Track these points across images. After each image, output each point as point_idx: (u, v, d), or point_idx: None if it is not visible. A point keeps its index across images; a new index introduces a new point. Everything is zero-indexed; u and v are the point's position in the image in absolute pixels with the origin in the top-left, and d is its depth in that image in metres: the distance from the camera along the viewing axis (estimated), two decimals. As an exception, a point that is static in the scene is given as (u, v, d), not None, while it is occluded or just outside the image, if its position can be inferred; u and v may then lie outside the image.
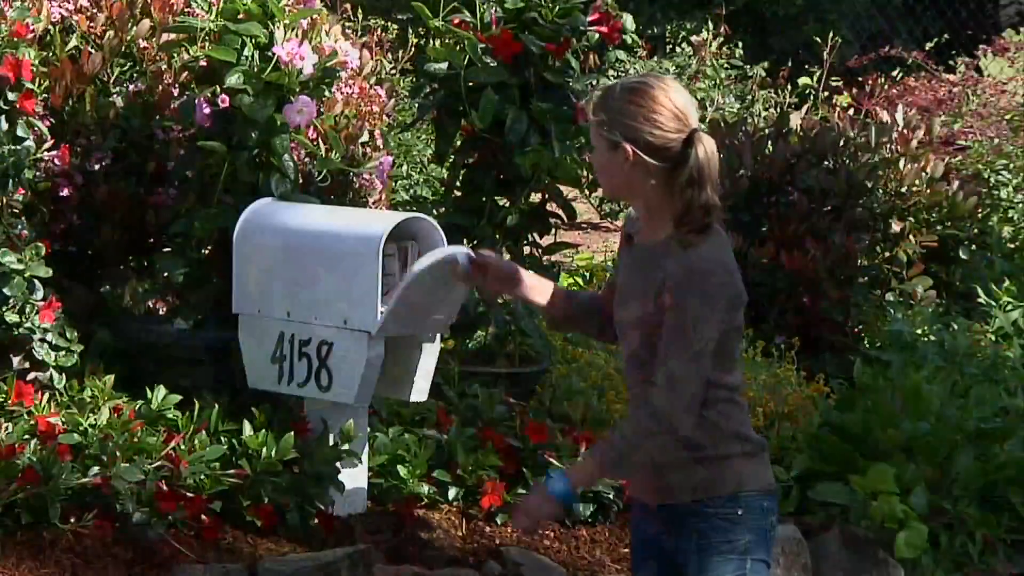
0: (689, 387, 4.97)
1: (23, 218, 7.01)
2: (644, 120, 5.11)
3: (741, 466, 5.17)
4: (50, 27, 7.26)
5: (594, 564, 6.55)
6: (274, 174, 7.04)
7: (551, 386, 7.74)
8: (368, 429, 6.69)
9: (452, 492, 6.80)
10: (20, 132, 6.87)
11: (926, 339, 8.04)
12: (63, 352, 6.92)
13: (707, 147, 5.08)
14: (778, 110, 11.65)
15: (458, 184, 7.99)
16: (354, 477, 6.54)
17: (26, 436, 6.28)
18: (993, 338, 8.25)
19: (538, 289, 5.58)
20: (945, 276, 9.54)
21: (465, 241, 7.67)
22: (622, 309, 5.34)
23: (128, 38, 7.36)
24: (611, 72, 8.22)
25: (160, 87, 7.29)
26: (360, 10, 10.69)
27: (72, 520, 6.12)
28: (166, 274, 7.18)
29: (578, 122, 7.81)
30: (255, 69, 7.05)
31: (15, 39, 6.95)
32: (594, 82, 7.85)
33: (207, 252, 7.07)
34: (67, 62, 7.21)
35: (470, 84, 7.64)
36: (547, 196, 8.00)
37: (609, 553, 6.55)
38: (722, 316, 5.04)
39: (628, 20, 8.09)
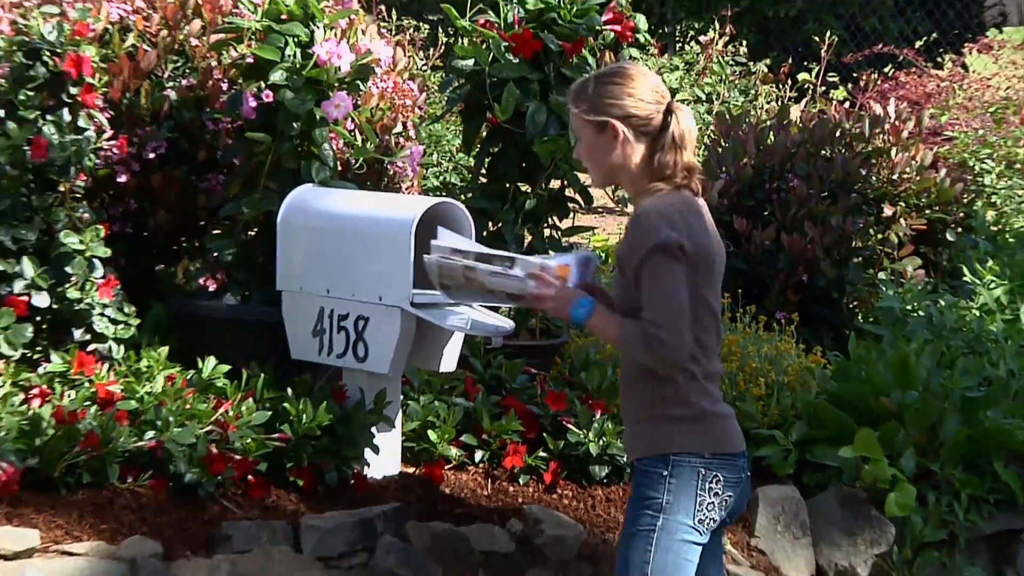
0: (673, 325, 5.04)
1: (84, 202, 7.03)
2: (627, 97, 5.25)
3: (675, 430, 5.19)
4: (109, 26, 7.28)
5: (609, 522, 6.57)
6: (314, 162, 7.07)
7: (569, 357, 7.75)
8: (401, 397, 6.71)
9: (478, 455, 6.83)
10: (82, 123, 6.90)
11: (915, 314, 8.03)
12: (121, 325, 6.95)
13: (685, 115, 5.26)
14: (779, 104, 11.61)
15: (483, 171, 8.00)
16: (388, 441, 6.56)
17: (87, 403, 6.30)
18: (977, 313, 8.24)
19: None
20: (933, 256, 9.52)
21: (490, 224, 7.69)
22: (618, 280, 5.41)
23: (181, 37, 7.38)
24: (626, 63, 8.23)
25: (210, 82, 7.31)
26: (394, 11, 10.69)
27: (129, 480, 6.16)
28: (216, 254, 7.21)
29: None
30: (297, 66, 7.07)
31: (77, 38, 6.98)
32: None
33: (253, 234, 7.09)
34: (125, 59, 7.23)
35: (494, 79, 7.64)
36: (565, 183, 8.01)
37: (623, 512, 6.57)
38: (688, 267, 5.11)
39: (641, 20, 8.12)
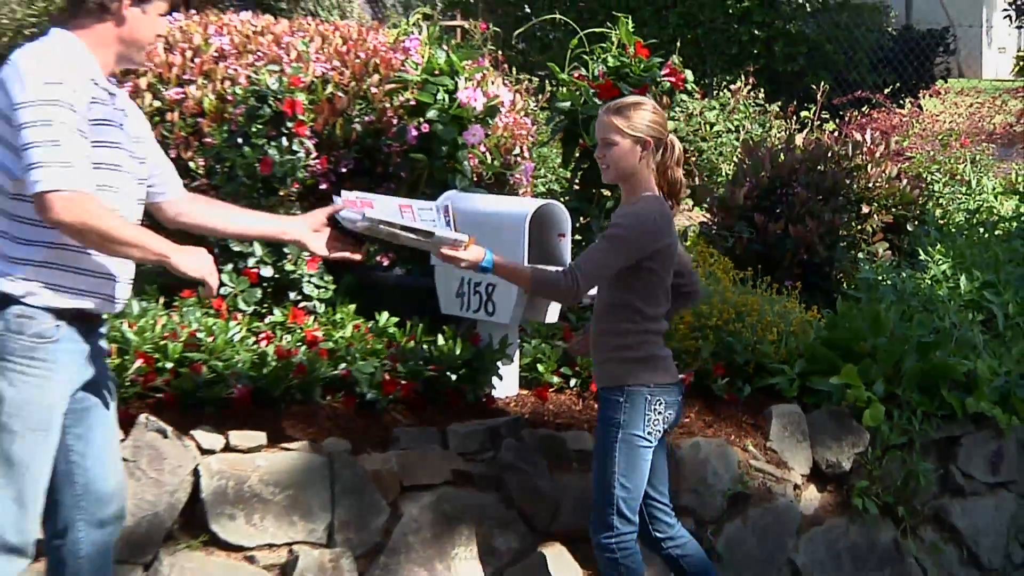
0: (585, 277, 5.22)
1: (297, 202, 7.07)
2: (654, 122, 5.41)
3: (630, 368, 5.38)
4: (315, 79, 7.29)
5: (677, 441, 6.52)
6: (457, 175, 7.07)
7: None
8: (518, 340, 6.70)
9: (572, 381, 6.81)
10: (295, 147, 6.93)
11: (884, 283, 7.96)
12: (322, 289, 6.98)
13: (678, 142, 5.54)
14: (787, 133, 11.54)
15: (576, 181, 7.96)
16: (509, 371, 6.55)
17: (298, 343, 6.33)
18: (929, 282, 8.17)
19: None
20: (897, 242, 9.47)
21: (581, 219, 7.65)
22: None
23: (364, 86, 7.38)
24: (677, 108, 8.17)
25: (384, 118, 7.31)
26: (514, 68, 10.66)
27: (327, 398, 6.20)
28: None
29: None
30: (445, 107, 7.10)
31: (292, 87, 7.00)
32: (671, 116, 7.81)
33: (415, 225, 7.11)
34: (325, 102, 7.24)
35: (584, 116, 7.58)
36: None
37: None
38: (629, 253, 5.27)
39: (688, 74, 8.02)
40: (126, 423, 5.65)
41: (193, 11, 8.32)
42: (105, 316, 4.71)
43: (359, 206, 5.14)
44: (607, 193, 7.77)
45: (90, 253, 4.42)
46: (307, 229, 5.14)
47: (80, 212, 4.21)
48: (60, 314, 4.41)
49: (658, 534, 5.61)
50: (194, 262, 4.47)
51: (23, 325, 4.35)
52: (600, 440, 5.46)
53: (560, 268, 5.50)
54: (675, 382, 5.49)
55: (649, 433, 5.36)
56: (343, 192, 5.28)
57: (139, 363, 5.96)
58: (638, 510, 5.45)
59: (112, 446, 4.82)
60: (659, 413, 5.37)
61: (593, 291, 5.48)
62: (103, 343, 4.76)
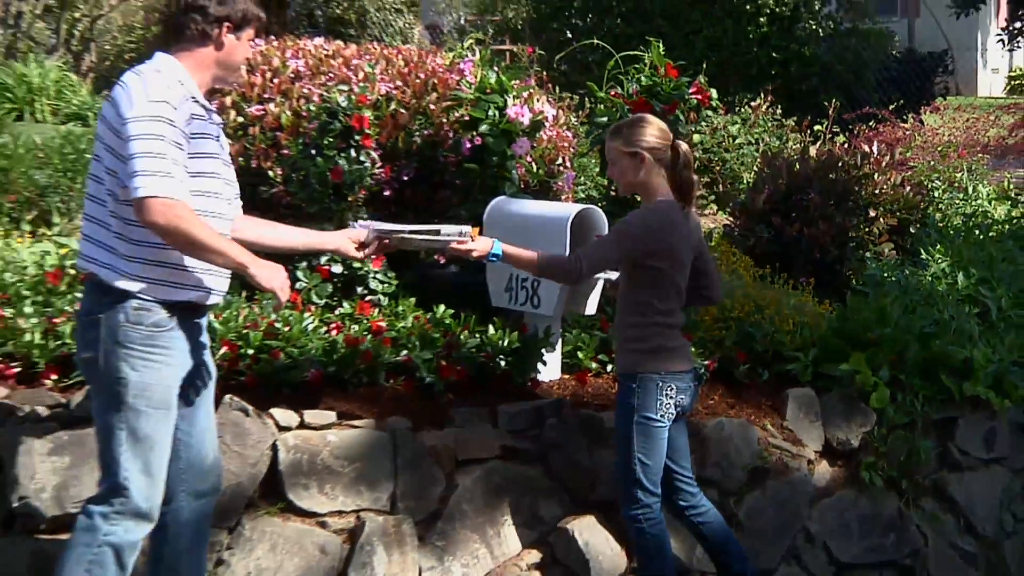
0: (588, 263, 5.35)
1: (364, 207, 7.06)
2: (650, 136, 5.39)
3: (641, 357, 5.40)
4: (379, 97, 7.28)
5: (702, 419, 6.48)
6: (506, 182, 7.05)
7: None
8: (560, 330, 6.67)
9: (609, 367, 6.77)
10: (362, 158, 6.91)
11: (890, 280, 7.91)
12: (386, 284, 6.96)
13: (686, 147, 5.45)
14: (802, 145, 11.46)
15: (613, 189, 7.92)
16: (552, 358, 6.52)
17: (365, 333, 6.31)
18: (929, 279, 8.11)
19: None
20: (901, 243, 9.39)
21: (616, 222, 7.62)
22: None
23: (424, 104, 7.36)
24: (703, 123, 8.14)
25: (441, 132, 7.28)
26: (557, 87, 10.63)
27: (391, 381, 6.20)
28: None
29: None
30: (496, 122, 7.06)
31: (360, 104, 7.00)
32: (693, 128, 7.76)
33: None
34: (389, 118, 7.22)
35: (621, 130, 7.58)
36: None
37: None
38: (626, 248, 5.36)
39: (713, 92, 7.98)
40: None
41: (272, 37, 8.32)
42: (208, 306, 4.77)
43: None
44: (640, 199, 7.73)
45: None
46: (344, 239, 5.21)
47: (172, 217, 4.29)
48: (171, 306, 4.51)
49: (681, 503, 5.63)
50: (269, 274, 4.57)
51: (141, 316, 4.45)
52: (618, 423, 5.49)
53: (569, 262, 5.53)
54: (687, 369, 5.50)
55: (662, 416, 5.38)
56: (359, 222, 5.40)
57: (224, 350, 5.98)
58: (660, 482, 5.48)
59: (211, 425, 4.90)
60: (670, 397, 5.39)
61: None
62: (205, 331, 4.82)
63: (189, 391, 4.70)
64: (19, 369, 6.01)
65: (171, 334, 4.52)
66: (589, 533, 6.00)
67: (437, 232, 5.22)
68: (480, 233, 5.38)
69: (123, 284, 4.42)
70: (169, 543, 4.79)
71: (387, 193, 7.18)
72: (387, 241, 5.25)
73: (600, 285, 6.40)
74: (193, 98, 4.52)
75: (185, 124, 4.45)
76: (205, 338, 4.82)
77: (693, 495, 5.65)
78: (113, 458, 4.49)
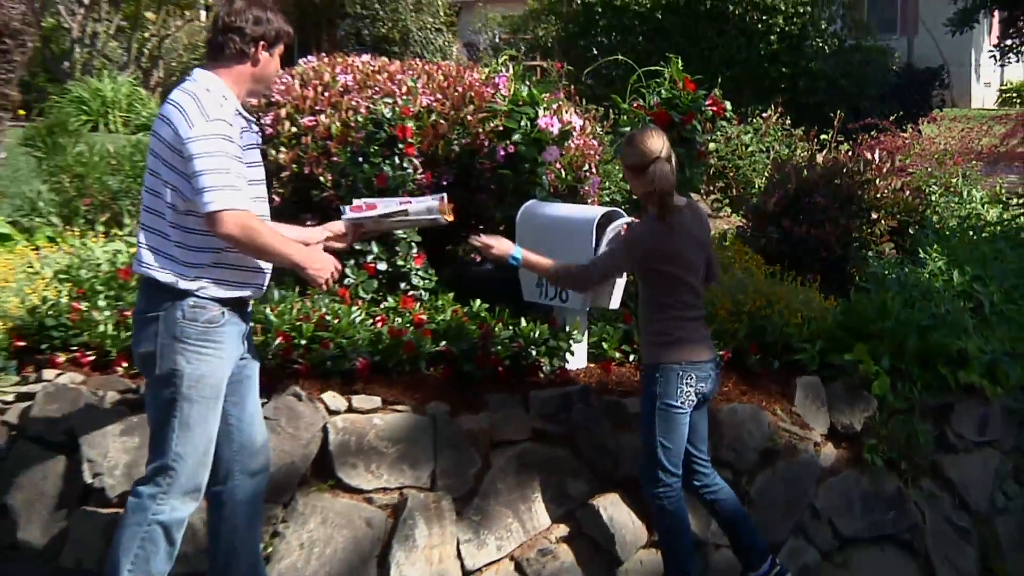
0: (598, 273, 5.54)
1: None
2: (630, 153, 5.47)
3: (662, 349, 5.41)
4: (421, 109, 7.27)
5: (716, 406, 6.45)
6: (537, 187, 7.02)
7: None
8: (587, 323, 6.64)
9: (632, 356, 6.73)
10: (405, 164, 6.89)
11: (890, 276, 7.86)
12: (427, 280, 6.94)
13: (661, 167, 5.35)
14: (809, 153, 11.39)
15: (634, 194, 7.89)
16: (579, 348, 6.49)
17: (407, 325, 6.31)
18: (927, 276, 8.05)
19: None
20: (901, 243, 9.35)
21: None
22: None
23: (461, 115, 7.35)
24: (718, 132, 8.11)
25: (477, 141, 7.27)
26: (584, 99, 10.60)
27: (431, 369, 6.19)
28: (481, 240, 7.20)
29: (700, 159, 7.71)
30: (528, 131, 7.03)
31: (403, 115, 6.99)
32: (709, 137, 7.72)
33: (502, 228, 7.05)
34: (430, 128, 7.21)
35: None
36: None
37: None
38: (635, 257, 5.40)
39: (727, 104, 7.93)
40: (268, 389, 5.73)
41: (323, 54, 8.33)
42: (253, 300, 4.81)
43: (364, 209, 5.26)
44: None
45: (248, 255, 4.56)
46: (325, 232, 5.18)
47: (245, 227, 4.37)
48: (224, 303, 4.57)
49: (696, 483, 5.64)
50: (318, 264, 4.66)
51: (196, 314, 4.50)
52: (643, 409, 5.51)
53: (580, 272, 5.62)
54: (707, 359, 5.49)
55: (682, 403, 5.40)
56: (354, 200, 5.42)
57: (279, 340, 5.99)
58: (680, 464, 5.48)
59: (258, 409, 4.93)
60: (690, 385, 5.40)
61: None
62: (250, 323, 4.85)
63: (238, 381, 4.73)
64: (93, 357, 6.10)
65: (222, 329, 4.56)
66: (613, 509, 5.98)
67: (406, 212, 5.21)
68: (454, 209, 5.42)
69: (182, 285, 4.47)
70: (226, 520, 4.82)
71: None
72: (362, 228, 5.28)
73: (623, 281, 6.38)
74: (238, 111, 4.56)
75: (239, 137, 4.49)
76: (249, 330, 4.85)
77: (707, 475, 5.66)
78: (164, 442, 4.54)
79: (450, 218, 5.35)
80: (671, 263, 5.38)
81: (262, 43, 4.63)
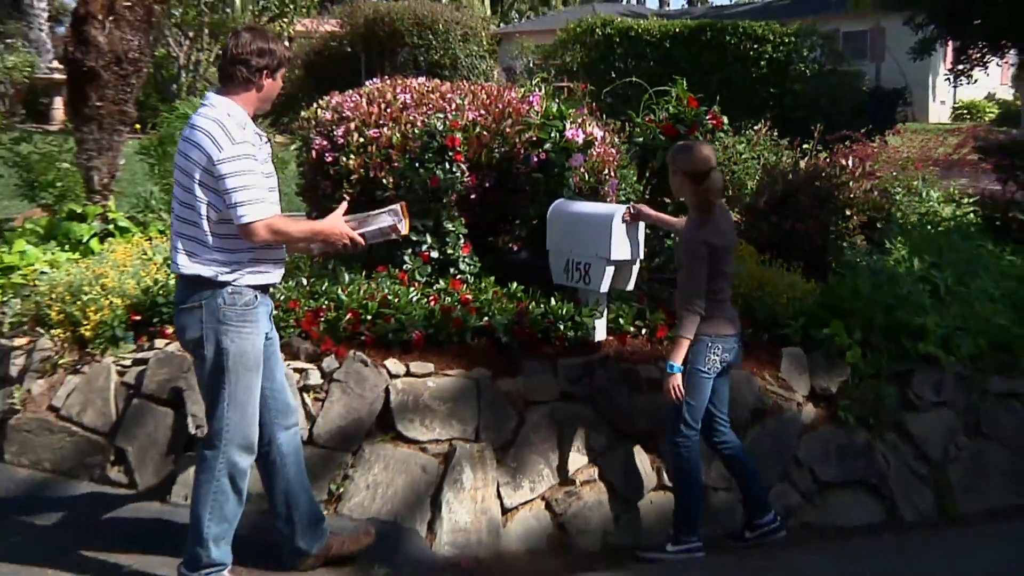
0: (697, 291, 5.38)
1: (455, 208, 7.01)
2: (681, 162, 5.44)
3: (701, 325, 5.39)
4: (468, 123, 7.23)
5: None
6: (565, 188, 6.96)
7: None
8: (607, 302, 6.60)
9: (644, 331, 6.68)
10: (454, 169, 6.86)
11: (861, 264, 7.80)
12: (472, 266, 6.92)
13: (716, 175, 5.40)
14: (793, 160, 11.29)
15: (647, 193, 7.83)
16: (600, 323, 6.44)
17: (456, 303, 6.28)
18: (892, 263, 7.98)
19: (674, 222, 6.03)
20: (871, 235, 9.25)
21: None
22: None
23: (501, 128, 7.30)
24: (717, 143, 8.03)
25: (515, 149, 7.23)
26: (603, 114, 10.51)
27: (475, 340, 6.14)
28: (518, 232, 7.14)
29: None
30: (557, 141, 6.98)
31: (452, 128, 6.95)
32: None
33: (535, 223, 7.01)
34: (475, 138, 7.17)
35: (652, 147, 7.50)
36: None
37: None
38: (705, 257, 5.34)
39: (725, 119, 7.85)
40: (340, 357, 5.71)
41: (386, 77, 8.30)
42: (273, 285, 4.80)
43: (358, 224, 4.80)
44: (667, 200, 7.65)
45: (274, 247, 4.56)
46: (337, 218, 4.87)
47: (274, 230, 4.41)
48: (256, 288, 4.56)
49: (715, 439, 5.66)
50: (337, 231, 4.62)
51: (235, 299, 4.50)
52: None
53: (688, 310, 5.41)
54: (733, 333, 5.50)
55: (708, 369, 5.42)
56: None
57: (349, 316, 5.99)
58: (700, 421, 5.50)
59: (283, 375, 4.91)
60: (716, 355, 5.41)
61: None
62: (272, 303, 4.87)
63: (268, 355, 4.72)
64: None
65: (256, 311, 4.55)
66: (628, 458, 5.95)
67: (379, 231, 4.80)
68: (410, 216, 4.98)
69: (222, 278, 4.46)
70: (278, 471, 4.83)
71: (473, 196, 7.14)
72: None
73: (637, 267, 6.33)
74: (255, 131, 4.54)
75: (258, 151, 4.48)
76: (272, 311, 4.83)
77: (725, 433, 5.67)
78: (218, 410, 4.55)
79: (405, 231, 4.92)
80: (718, 255, 5.38)
81: (265, 71, 4.57)
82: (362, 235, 4.71)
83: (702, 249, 5.35)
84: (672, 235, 7.29)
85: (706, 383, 5.42)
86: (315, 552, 4.93)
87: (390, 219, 4.79)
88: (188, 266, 4.48)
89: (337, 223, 4.64)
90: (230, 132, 4.38)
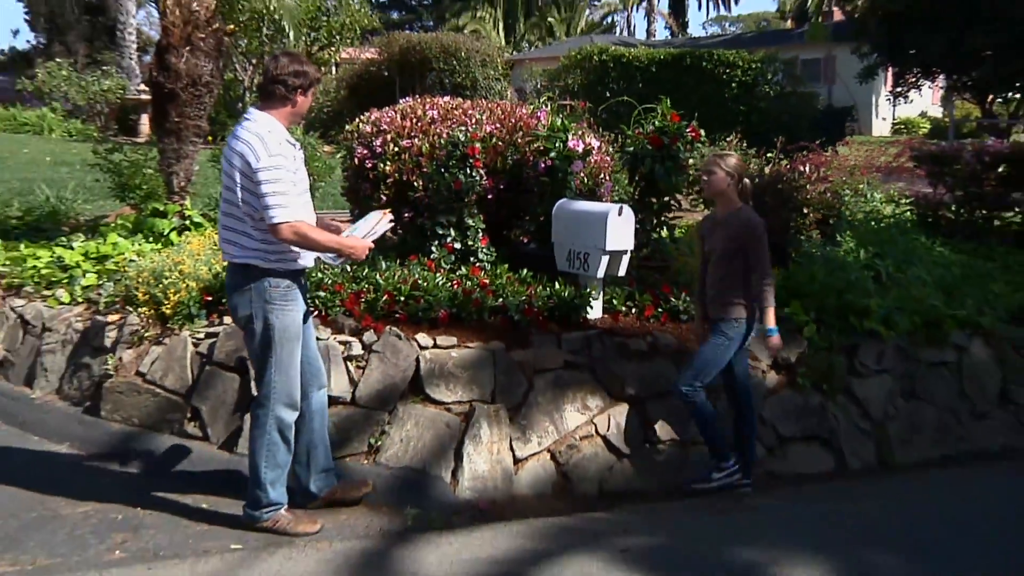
0: (767, 272, 5.36)
1: (474, 206, 6.96)
2: (728, 165, 5.46)
3: (733, 308, 5.38)
4: (485, 134, 7.17)
5: (693, 346, 6.34)
6: (567, 190, 6.90)
7: (677, 268, 7.52)
8: (603, 286, 6.54)
9: (634, 310, 6.63)
10: (473, 174, 6.80)
11: (817, 254, 7.72)
12: (489, 256, 6.87)
13: (748, 176, 5.50)
14: (759, 167, 11.20)
15: (636, 195, 7.76)
16: (596, 304, 6.39)
17: (476, 287, 6.23)
18: (842, 254, 7.90)
19: None
20: (825, 230, 9.17)
21: (639, 215, 7.45)
22: (711, 244, 5.59)
23: (514, 139, 7.24)
24: (696, 152, 7.96)
25: (525, 157, 7.17)
26: (600, 127, 10.43)
27: (492, 318, 6.08)
28: (528, 227, 7.09)
29: (682, 170, 7.58)
30: (561, 149, 6.91)
31: (473, 139, 6.89)
32: (689, 155, 7.57)
33: (542, 219, 6.96)
34: (491, 148, 7.12)
35: (640, 155, 7.42)
36: (669, 199, 7.74)
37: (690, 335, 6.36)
38: (766, 239, 5.41)
39: (702, 131, 7.77)
40: (378, 332, 5.68)
41: (417, 96, 8.25)
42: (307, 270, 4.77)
43: (364, 227, 4.73)
44: (653, 200, 7.60)
45: None
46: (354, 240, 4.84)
47: (297, 233, 4.37)
48: (295, 272, 4.56)
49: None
50: (355, 248, 4.54)
51: (279, 282, 4.51)
52: (713, 341, 5.48)
53: (767, 284, 5.41)
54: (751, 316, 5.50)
55: (730, 339, 5.47)
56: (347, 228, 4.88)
57: (385, 297, 5.95)
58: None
59: (315, 344, 4.87)
60: (738, 331, 5.48)
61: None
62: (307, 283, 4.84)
63: (303, 328, 4.69)
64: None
65: (295, 291, 4.55)
66: (620, 416, 5.90)
67: (376, 235, 4.70)
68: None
69: (266, 265, 4.46)
70: (306, 424, 4.85)
71: (490, 197, 7.09)
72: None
73: (627, 257, 6.27)
74: (289, 141, 4.48)
75: (292, 161, 4.44)
76: (307, 288, 4.82)
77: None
78: (266, 375, 4.56)
79: (391, 218, 4.85)
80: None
81: (300, 90, 4.54)
82: (372, 240, 4.71)
83: (763, 229, 5.42)
84: (659, 229, 7.23)
85: (728, 352, 5.43)
86: (323, 496, 4.99)
87: (379, 216, 4.76)
88: (238, 256, 4.47)
89: (358, 243, 4.59)
90: (268, 145, 4.35)
